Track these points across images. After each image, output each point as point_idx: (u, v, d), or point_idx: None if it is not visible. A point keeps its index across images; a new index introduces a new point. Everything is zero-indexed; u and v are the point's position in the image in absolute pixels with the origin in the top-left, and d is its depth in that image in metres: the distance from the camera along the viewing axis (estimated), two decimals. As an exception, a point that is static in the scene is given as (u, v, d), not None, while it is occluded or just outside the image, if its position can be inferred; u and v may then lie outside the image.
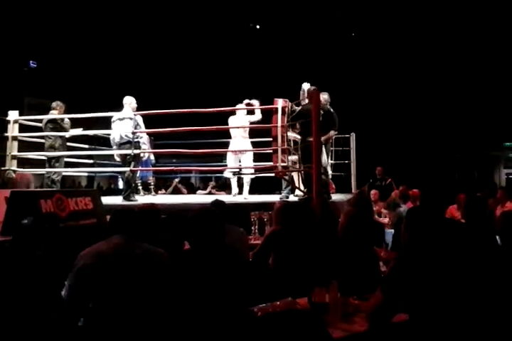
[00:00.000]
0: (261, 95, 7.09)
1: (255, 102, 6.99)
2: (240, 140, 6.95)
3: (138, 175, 7.45)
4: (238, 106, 7.03)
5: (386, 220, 6.73)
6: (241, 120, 6.94)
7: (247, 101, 7.07)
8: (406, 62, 12.74)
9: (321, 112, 5.64)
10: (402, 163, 12.34)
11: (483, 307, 1.88)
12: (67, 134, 6.82)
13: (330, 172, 7.64)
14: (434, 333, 1.84)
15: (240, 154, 6.96)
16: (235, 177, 7.34)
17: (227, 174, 7.39)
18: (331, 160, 7.79)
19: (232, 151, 6.97)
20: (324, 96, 6.29)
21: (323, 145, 6.13)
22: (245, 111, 7.02)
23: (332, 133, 6.65)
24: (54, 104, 6.91)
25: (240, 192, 7.18)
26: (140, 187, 7.72)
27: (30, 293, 2.38)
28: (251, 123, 6.85)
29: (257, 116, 6.80)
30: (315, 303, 2.35)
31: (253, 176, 7.06)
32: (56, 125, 6.71)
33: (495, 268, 2.05)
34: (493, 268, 2.03)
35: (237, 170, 7.12)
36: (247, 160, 6.96)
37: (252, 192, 7.31)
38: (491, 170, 15.60)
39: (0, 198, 3.97)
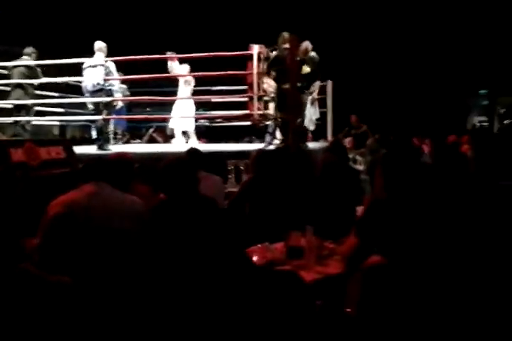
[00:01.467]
0: (237, 41, 6.87)
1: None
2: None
3: (111, 123, 7.30)
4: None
5: (361, 167, 6.82)
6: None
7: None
8: (384, 8, 12.43)
9: (302, 59, 5.54)
10: (378, 111, 12.36)
11: (454, 250, 1.95)
12: (36, 82, 6.54)
13: (312, 125, 7.63)
14: (407, 276, 1.90)
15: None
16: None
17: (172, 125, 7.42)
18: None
19: (205, 99, 6.91)
20: (306, 43, 5.99)
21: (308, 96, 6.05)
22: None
23: (317, 84, 6.55)
24: (28, 50, 6.52)
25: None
26: (111, 136, 7.53)
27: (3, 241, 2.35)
28: None
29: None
30: (291, 247, 2.39)
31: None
32: (31, 72, 6.40)
33: (463, 208, 2.10)
34: (461, 208, 2.08)
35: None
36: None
37: (227, 140, 7.30)
38: (465, 116, 15.76)
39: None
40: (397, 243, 1.95)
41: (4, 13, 10.37)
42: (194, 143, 7.07)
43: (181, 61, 7.17)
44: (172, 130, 7.53)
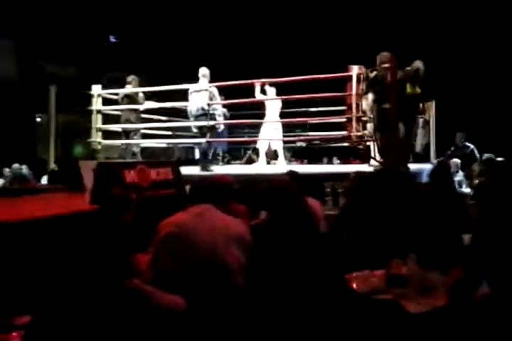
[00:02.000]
0: (335, 62, 6.90)
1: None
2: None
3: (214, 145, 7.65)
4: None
5: (468, 190, 6.44)
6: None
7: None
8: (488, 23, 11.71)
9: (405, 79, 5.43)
10: (485, 130, 11.54)
11: None
12: (141, 107, 7.10)
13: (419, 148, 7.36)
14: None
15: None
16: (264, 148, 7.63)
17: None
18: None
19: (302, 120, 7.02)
20: (417, 63, 5.86)
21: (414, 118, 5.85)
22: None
23: (431, 104, 6.27)
24: (129, 79, 7.20)
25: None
26: (220, 158, 7.93)
27: (115, 261, 2.53)
28: None
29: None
30: (392, 275, 2.32)
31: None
32: (131, 99, 6.99)
33: None
34: None
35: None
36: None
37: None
38: None
39: (87, 169, 4.23)
40: (507, 275, 1.82)
41: (120, 41, 11.35)
42: (282, 163, 7.43)
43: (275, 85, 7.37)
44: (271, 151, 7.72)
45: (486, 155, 7.49)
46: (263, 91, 7.41)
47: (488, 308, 1.91)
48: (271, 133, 7.38)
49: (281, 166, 7.33)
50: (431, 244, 2.65)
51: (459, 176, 7.01)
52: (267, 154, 7.81)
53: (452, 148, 8.47)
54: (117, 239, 3.06)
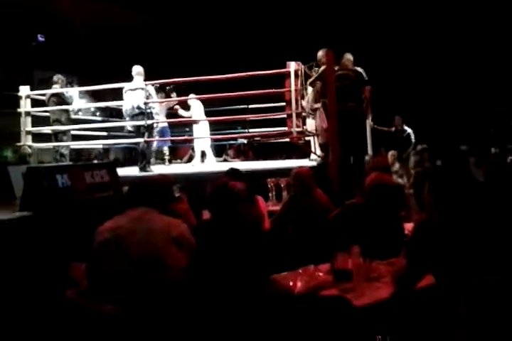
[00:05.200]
0: (273, 59, 6.90)
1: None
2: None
3: (154, 145, 7.46)
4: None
5: (404, 181, 6.63)
6: None
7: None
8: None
9: (350, 74, 5.49)
10: (426, 116, 11.88)
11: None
12: (70, 107, 6.79)
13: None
14: (459, 298, 1.79)
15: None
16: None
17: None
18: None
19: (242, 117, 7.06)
20: (348, 57, 5.81)
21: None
22: None
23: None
24: (55, 78, 6.89)
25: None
26: (153, 158, 7.75)
27: (51, 265, 2.39)
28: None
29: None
30: (337, 270, 2.31)
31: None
32: (59, 99, 6.68)
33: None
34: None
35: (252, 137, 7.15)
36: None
37: (266, 158, 7.36)
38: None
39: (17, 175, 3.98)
40: (450, 265, 1.85)
41: (47, 40, 10.85)
42: (212, 161, 7.87)
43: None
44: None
45: (419, 147, 7.78)
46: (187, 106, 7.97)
47: (432, 298, 1.94)
48: (201, 132, 7.77)
49: (214, 164, 7.62)
50: (374, 235, 2.67)
51: (396, 167, 7.21)
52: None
53: (393, 129, 8.64)
54: (52, 248, 2.89)
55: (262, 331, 2.00)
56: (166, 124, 7.96)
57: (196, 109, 7.85)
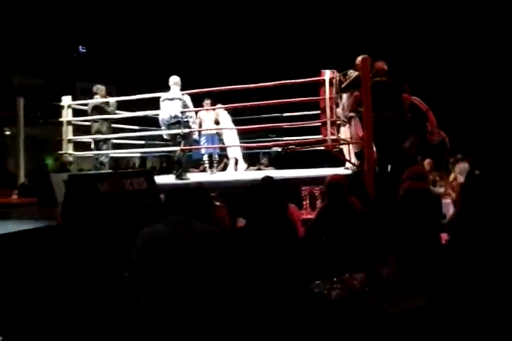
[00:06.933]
0: (307, 67, 6.93)
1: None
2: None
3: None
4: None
5: (442, 190, 6.50)
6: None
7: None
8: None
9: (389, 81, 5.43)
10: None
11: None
12: (111, 117, 6.96)
13: None
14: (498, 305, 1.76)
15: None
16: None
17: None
18: None
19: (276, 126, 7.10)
20: (382, 64, 5.71)
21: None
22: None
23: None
24: (94, 89, 7.06)
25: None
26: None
27: (96, 270, 2.47)
28: None
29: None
30: (372, 279, 2.30)
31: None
32: (100, 109, 6.86)
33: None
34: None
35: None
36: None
37: (301, 166, 7.36)
38: None
39: (59, 182, 4.12)
40: (486, 273, 1.82)
41: (88, 52, 11.22)
42: (243, 167, 8.03)
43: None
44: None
45: (459, 156, 7.59)
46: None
47: (468, 307, 1.91)
48: (232, 140, 7.86)
49: (249, 173, 7.68)
50: (410, 246, 2.64)
51: (433, 176, 7.08)
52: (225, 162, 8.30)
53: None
54: (93, 253, 2.99)
55: (297, 338, 2.01)
56: (213, 131, 7.97)
57: (224, 118, 7.94)
